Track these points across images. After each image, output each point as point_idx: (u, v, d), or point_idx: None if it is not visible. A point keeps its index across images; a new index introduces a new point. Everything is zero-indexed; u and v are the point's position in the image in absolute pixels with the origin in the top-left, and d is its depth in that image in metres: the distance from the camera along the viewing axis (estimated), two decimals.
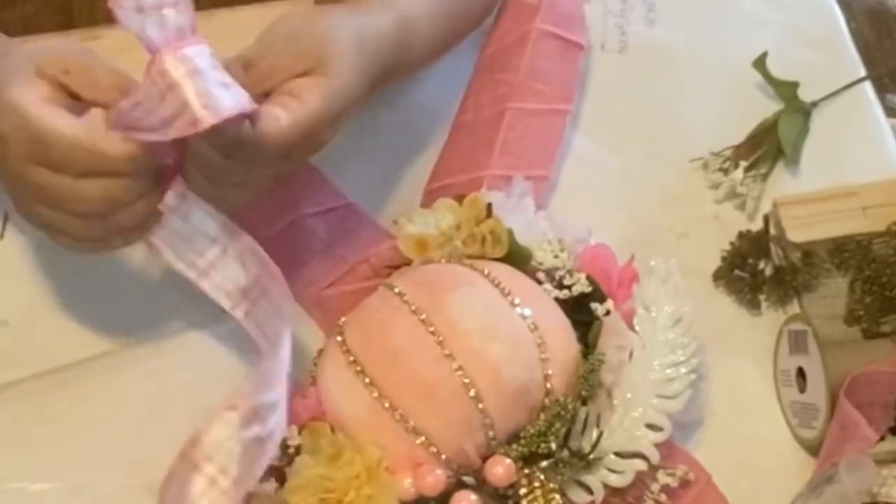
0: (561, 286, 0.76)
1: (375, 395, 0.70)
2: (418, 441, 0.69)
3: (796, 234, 0.81)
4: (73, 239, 0.70)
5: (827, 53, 0.95)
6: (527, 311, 0.73)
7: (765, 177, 0.88)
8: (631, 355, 0.74)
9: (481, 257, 0.77)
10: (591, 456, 0.71)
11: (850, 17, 1.03)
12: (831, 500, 0.68)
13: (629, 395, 0.73)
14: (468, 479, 0.70)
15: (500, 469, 0.70)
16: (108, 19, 0.93)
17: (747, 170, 0.87)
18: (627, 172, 0.88)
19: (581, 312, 0.76)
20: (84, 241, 0.71)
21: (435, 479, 0.69)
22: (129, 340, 0.78)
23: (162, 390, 0.77)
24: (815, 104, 0.91)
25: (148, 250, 0.73)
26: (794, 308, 0.82)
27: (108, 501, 0.74)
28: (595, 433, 0.72)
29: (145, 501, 0.73)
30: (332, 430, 0.71)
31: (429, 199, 0.82)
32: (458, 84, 0.89)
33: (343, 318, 0.75)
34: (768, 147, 0.89)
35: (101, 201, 0.68)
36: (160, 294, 0.80)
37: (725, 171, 0.87)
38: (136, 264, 0.81)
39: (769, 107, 0.91)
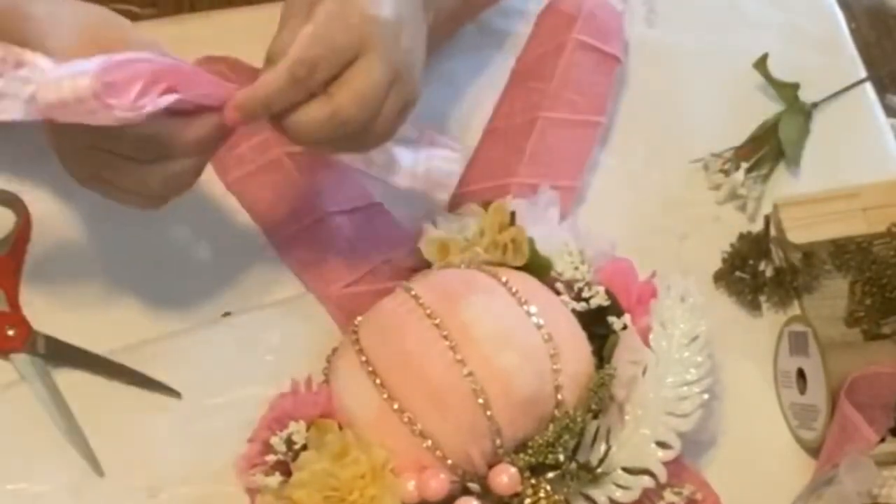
0: (579, 298, 0.76)
1: (385, 396, 0.70)
2: (425, 445, 0.69)
3: (797, 236, 0.81)
4: (129, 200, 0.71)
5: (827, 54, 0.95)
6: (542, 321, 0.72)
7: (765, 178, 0.88)
8: (644, 371, 0.74)
9: (501, 265, 0.77)
10: (599, 470, 0.71)
11: (850, 17, 1.03)
12: (831, 502, 0.68)
13: (640, 412, 0.73)
14: (473, 486, 0.70)
15: (505, 478, 0.69)
16: None
17: (748, 171, 0.87)
18: (628, 173, 0.88)
19: (598, 326, 0.76)
20: (140, 199, 0.71)
21: (438, 483, 0.69)
22: (129, 341, 0.78)
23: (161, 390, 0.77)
24: (815, 105, 0.91)
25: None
26: (795, 309, 0.82)
27: (108, 501, 0.74)
28: (604, 447, 0.72)
29: (145, 501, 0.73)
30: (340, 427, 0.71)
31: (456, 204, 0.82)
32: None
33: (359, 318, 0.75)
34: (769, 148, 0.89)
35: (165, 181, 0.69)
36: (161, 296, 0.80)
37: (726, 173, 0.87)
38: (138, 267, 0.81)
39: (770, 108, 0.91)
